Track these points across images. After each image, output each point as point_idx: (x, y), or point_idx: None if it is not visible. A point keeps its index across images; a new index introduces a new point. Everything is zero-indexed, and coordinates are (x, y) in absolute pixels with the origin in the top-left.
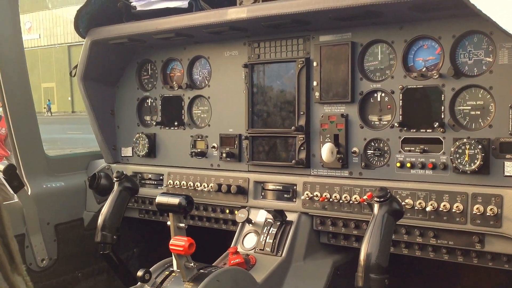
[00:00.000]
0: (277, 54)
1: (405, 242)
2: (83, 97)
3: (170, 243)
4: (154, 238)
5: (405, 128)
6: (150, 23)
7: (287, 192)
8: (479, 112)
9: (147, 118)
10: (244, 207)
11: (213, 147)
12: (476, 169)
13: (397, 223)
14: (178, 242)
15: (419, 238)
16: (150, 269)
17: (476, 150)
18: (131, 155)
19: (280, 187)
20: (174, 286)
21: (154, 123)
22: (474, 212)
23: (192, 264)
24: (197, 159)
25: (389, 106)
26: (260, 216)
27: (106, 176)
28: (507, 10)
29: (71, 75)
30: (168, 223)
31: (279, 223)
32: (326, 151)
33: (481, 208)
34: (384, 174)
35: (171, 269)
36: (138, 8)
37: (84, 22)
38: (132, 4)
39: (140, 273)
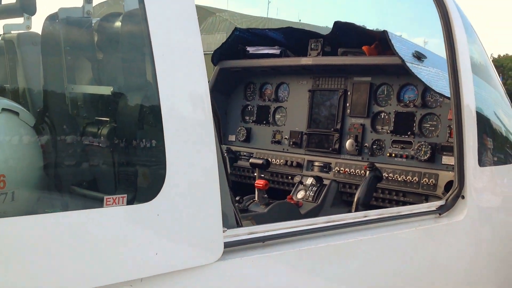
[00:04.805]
0: (328, 85)
1: (383, 198)
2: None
3: (256, 182)
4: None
5: (394, 134)
6: (257, 61)
7: (325, 167)
8: (433, 128)
9: (247, 117)
10: (299, 174)
11: (285, 138)
12: (427, 159)
13: (381, 186)
14: (260, 182)
15: (393, 196)
16: (243, 198)
17: (428, 149)
18: (234, 140)
19: (322, 164)
20: (254, 206)
21: (251, 121)
22: (423, 182)
23: (266, 196)
24: (275, 145)
25: (387, 121)
26: (308, 180)
27: None
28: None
29: None
30: (255, 174)
31: (319, 185)
32: (349, 144)
33: (427, 180)
34: (380, 159)
35: (253, 199)
36: (250, 52)
37: (217, 57)
38: (247, 49)
39: (237, 198)
